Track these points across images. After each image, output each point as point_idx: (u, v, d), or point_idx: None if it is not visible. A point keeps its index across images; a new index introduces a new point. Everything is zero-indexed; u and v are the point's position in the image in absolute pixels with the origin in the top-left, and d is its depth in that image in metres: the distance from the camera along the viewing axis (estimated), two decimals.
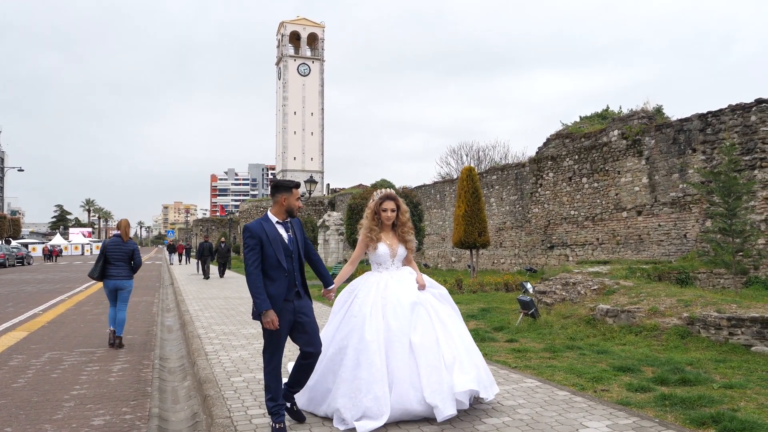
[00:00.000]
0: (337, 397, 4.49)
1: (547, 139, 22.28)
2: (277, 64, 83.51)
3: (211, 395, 5.45)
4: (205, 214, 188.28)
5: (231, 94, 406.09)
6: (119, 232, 8.85)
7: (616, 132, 18.86)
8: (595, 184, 19.67)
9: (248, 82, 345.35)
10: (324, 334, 4.81)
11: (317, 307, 11.59)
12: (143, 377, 6.79)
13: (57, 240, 73.22)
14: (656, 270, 13.15)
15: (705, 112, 15.89)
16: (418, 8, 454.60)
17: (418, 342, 4.57)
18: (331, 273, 25.36)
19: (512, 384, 5.77)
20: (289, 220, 4.65)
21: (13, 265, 40.66)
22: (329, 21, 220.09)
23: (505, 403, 5.06)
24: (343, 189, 53.37)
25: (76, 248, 79.32)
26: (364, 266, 14.12)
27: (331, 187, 73.29)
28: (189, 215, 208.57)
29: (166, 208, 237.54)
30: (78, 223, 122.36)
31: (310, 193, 27.44)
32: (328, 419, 4.62)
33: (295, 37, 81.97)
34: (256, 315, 4.39)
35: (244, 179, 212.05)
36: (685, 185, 16.29)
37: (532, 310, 9.87)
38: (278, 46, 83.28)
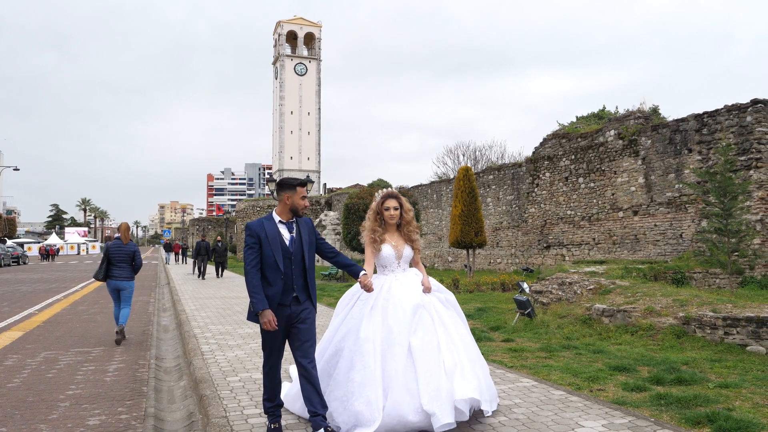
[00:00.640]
0: (330, 401, 4.32)
1: (544, 139, 22.31)
2: (274, 63, 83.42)
3: (207, 395, 5.44)
4: (201, 213, 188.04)
5: (227, 93, 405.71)
6: (120, 234, 9.33)
7: (612, 132, 18.90)
8: (592, 184, 19.70)
9: (245, 82, 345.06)
10: (324, 337, 4.68)
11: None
12: (139, 377, 6.77)
13: (53, 239, 72.99)
14: (652, 270, 13.19)
15: (701, 112, 15.93)
16: (415, 8, 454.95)
17: (418, 346, 4.35)
18: (327, 273, 25.09)
19: (508, 383, 5.77)
20: (294, 220, 4.44)
21: (9, 265, 40.54)
22: (326, 21, 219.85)
23: (502, 403, 5.05)
24: (340, 189, 53.37)
25: (72, 248, 79.11)
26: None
27: (327, 186, 73.27)
28: (185, 215, 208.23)
29: (162, 207, 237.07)
30: (74, 223, 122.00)
31: (307, 192, 27.44)
32: None
33: (292, 37, 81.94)
34: (252, 315, 4.29)
35: (240, 179, 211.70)
36: (681, 185, 16.32)
37: (529, 309, 9.88)
38: (275, 46, 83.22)
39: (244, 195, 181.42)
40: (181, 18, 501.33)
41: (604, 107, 22.77)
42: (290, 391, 4.89)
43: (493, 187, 25.26)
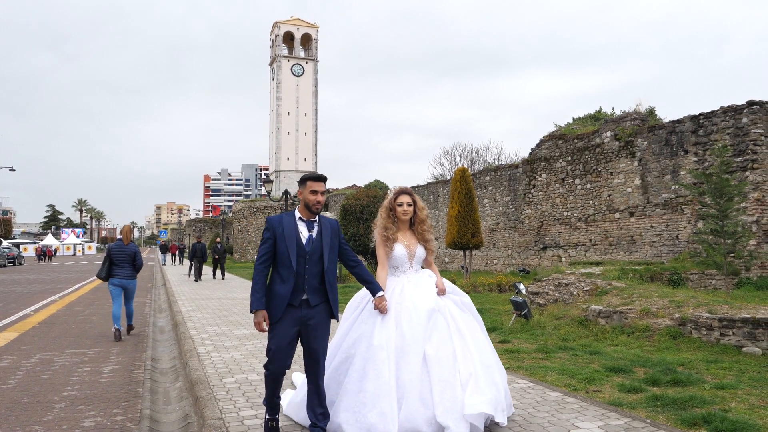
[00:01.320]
0: (339, 411, 4.09)
1: (540, 140, 22.35)
2: (271, 64, 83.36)
3: (203, 396, 5.42)
4: (198, 214, 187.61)
5: (224, 94, 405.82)
6: (122, 236, 9.89)
7: (608, 133, 18.94)
8: (588, 185, 19.74)
9: (242, 82, 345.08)
10: (332, 342, 4.43)
11: None
12: (135, 378, 6.75)
13: (49, 240, 72.77)
14: (648, 271, 13.21)
15: (697, 113, 15.98)
16: (412, 9, 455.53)
17: (433, 354, 4.13)
18: None
19: None
20: (317, 219, 4.23)
21: (4, 266, 40.38)
22: (323, 21, 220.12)
23: None
24: (337, 189, 53.30)
25: (68, 248, 78.85)
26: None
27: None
28: (182, 215, 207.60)
29: (158, 208, 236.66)
30: (70, 223, 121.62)
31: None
32: None
33: (288, 38, 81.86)
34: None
35: (237, 179, 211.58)
36: (677, 186, 16.37)
37: (525, 310, 9.89)
38: (272, 47, 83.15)
39: (241, 196, 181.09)
40: (179, 18, 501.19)
41: (601, 108, 22.86)
42: (294, 398, 4.75)
43: (490, 188, 25.28)
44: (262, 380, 6.03)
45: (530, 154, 22.84)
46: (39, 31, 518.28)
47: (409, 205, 4.57)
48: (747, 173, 14.34)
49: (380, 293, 4.25)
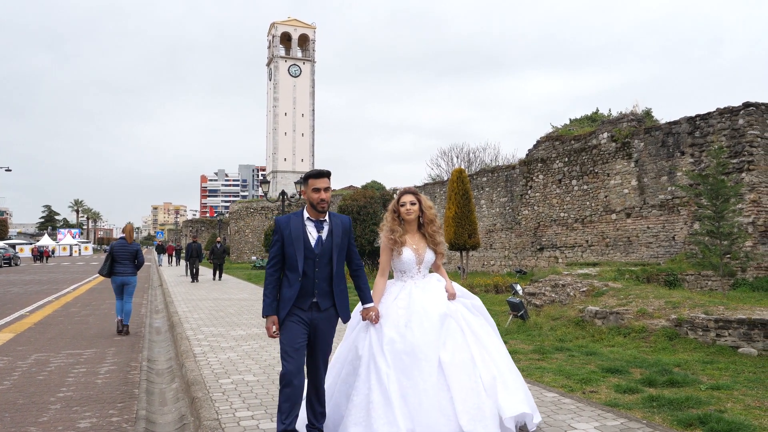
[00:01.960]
0: (348, 426, 3.85)
1: (537, 142, 22.38)
2: (268, 65, 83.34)
3: (199, 397, 5.42)
4: (194, 215, 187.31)
5: (222, 94, 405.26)
6: (125, 235, 10.36)
7: (605, 135, 18.97)
8: (585, 187, 19.77)
9: (239, 83, 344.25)
10: (337, 354, 4.31)
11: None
12: (131, 379, 6.74)
13: (45, 241, 72.58)
14: (645, 272, 13.23)
15: (693, 115, 16.04)
16: (410, 9, 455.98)
17: (449, 360, 3.93)
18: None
19: None
20: (326, 219, 4.05)
21: (0, 266, 40.27)
22: (320, 22, 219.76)
23: None
24: (334, 190, 53.35)
25: (65, 249, 78.64)
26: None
27: None
28: (179, 216, 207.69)
29: (155, 208, 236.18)
30: (66, 224, 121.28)
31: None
32: None
33: (286, 38, 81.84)
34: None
35: (234, 180, 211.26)
36: (673, 188, 16.41)
37: (522, 311, 9.89)
38: (269, 47, 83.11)
39: (238, 196, 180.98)
40: (178, 18, 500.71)
41: (597, 110, 22.93)
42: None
43: (487, 189, 25.30)
44: (259, 381, 6.03)
45: (527, 155, 22.88)
46: (38, 31, 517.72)
47: (413, 204, 4.35)
48: (743, 174, 14.39)
49: (368, 305, 4.12)
